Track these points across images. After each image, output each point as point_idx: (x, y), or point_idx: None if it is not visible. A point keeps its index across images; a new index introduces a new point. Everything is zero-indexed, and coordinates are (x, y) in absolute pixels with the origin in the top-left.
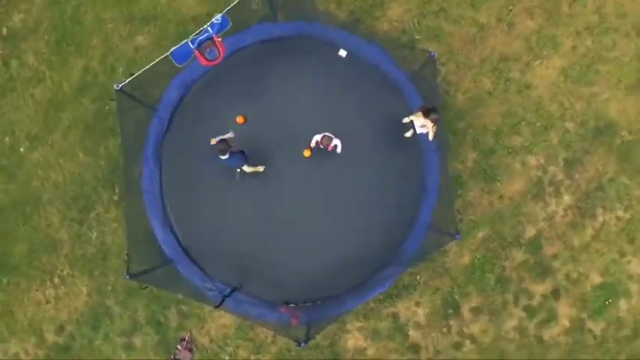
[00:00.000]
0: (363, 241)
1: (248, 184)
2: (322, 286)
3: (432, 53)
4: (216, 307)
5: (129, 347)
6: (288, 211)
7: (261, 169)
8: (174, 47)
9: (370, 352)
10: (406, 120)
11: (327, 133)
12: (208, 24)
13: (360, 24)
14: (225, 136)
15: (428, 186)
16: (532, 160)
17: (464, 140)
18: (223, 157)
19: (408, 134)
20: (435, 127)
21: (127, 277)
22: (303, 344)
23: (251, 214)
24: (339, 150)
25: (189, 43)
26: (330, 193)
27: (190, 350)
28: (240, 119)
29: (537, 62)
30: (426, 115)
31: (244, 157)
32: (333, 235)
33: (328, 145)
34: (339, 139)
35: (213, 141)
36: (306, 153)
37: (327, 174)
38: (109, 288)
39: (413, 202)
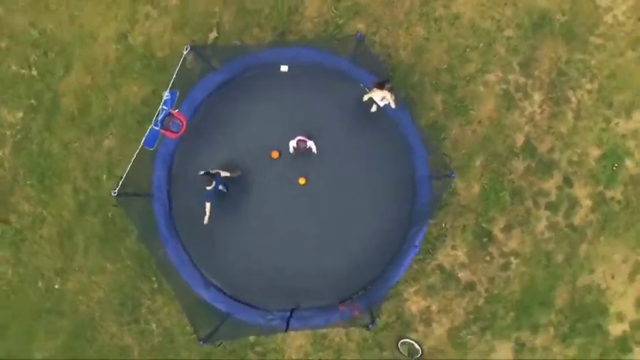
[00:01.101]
0: (380, 218)
1: (260, 218)
2: (364, 273)
3: (358, 35)
4: (285, 331)
5: None
6: (305, 225)
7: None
8: (143, 138)
9: (434, 307)
10: (366, 98)
11: (299, 137)
12: (162, 103)
13: (288, 34)
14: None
15: (412, 144)
16: (491, 78)
17: (424, 89)
18: (209, 188)
19: (374, 109)
20: (393, 95)
21: (202, 343)
22: (371, 325)
23: (274, 240)
24: (314, 150)
25: (154, 127)
26: (334, 193)
27: None
28: (275, 154)
29: None
30: (381, 87)
31: (218, 175)
32: (352, 228)
33: (304, 147)
34: (318, 141)
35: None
36: (302, 181)
37: (324, 178)
38: None
39: (407, 165)
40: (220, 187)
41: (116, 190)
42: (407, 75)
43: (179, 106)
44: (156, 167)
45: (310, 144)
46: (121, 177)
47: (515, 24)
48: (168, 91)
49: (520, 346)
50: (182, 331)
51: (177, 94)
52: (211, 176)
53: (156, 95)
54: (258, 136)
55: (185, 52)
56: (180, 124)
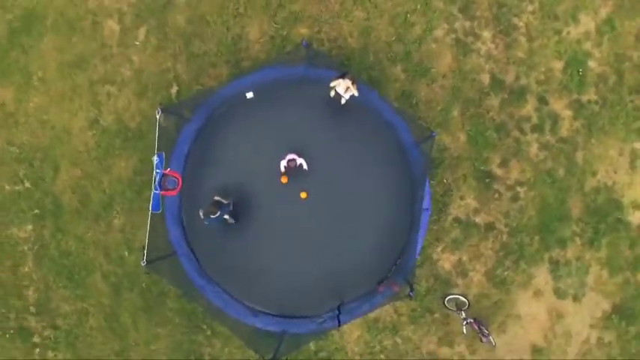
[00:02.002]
0: (385, 200)
1: (277, 237)
2: (389, 251)
3: (304, 43)
4: (338, 327)
5: None
6: (320, 230)
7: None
8: (149, 205)
9: (465, 258)
10: (333, 94)
11: (289, 157)
12: (154, 168)
13: (242, 63)
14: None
15: (390, 120)
16: (439, 33)
17: (383, 67)
18: (215, 217)
19: (343, 101)
20: (354, 84)
21: None
22: (412, 294)
23: (298, 252)
24: (305, 167)
25: (155, 192)
26: (336, 194)
27: None
28: (303, 194)
29: None
30: (342, 79)
31: (226, 205)
32: (364, 218)
33: (295, 166)
34: (305, 151)
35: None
36: (303, 195)
37: (322, 183)
38: None
39: (392, 141)
40: (227, 217)
41: (144, 260)
42: (362, 58)
43: (169, 165)
44: (169, 226)
45: (301, 161)
46: (143, 247)
47: None
48: (155, 155)
49: (555, 265)
50: None
51: (163, 155)
52: (218, 206)
53: (144, 162)
54: (249, 167)
55: (158, 116)
56: (176, 180)
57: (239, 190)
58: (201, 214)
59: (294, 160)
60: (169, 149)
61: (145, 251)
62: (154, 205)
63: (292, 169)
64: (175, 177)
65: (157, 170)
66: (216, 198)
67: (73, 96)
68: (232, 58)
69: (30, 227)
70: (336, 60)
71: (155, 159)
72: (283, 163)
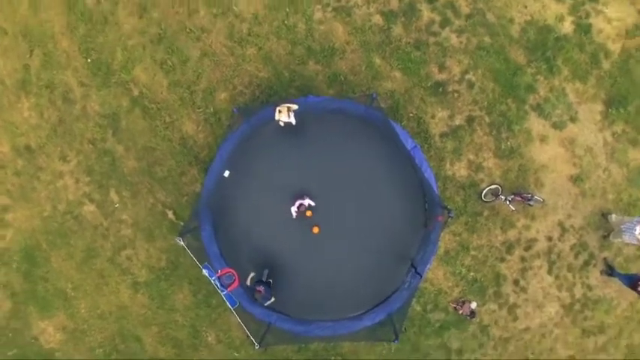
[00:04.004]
0: (384, 166)
1: (329, 258)
2: (417, 195)
3: (234, 110)
4: (422, 279)
5: None
6: (354, 227)
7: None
8: (228, 305)
9: (471, 156)
10: (282, 124)
11: (297, 204)
12: (209, 278)
13: (201, 156)
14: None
15: (337, 107)
16: (318, 14)
17: (300, 73)
18: (265, 295)
19: (293, 122)
20: (290, 104)
21: (396, 342)
22: (451, 214)
23: (356, 254)
24: (313, 204)
25: (223, 293)
26: (343, 194)
27: (462, 304)
28: (308, 213)
29: None
30: (278, 106)
31: (268, 285)
32: (381, 191)
33: (305, 208)
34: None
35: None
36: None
37: (326, 196)
38: None
39: (354, 120)
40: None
41: (257, 344)
42: (280, 80)
43: (215, 268)
44: (251, 310)
45: (307, 201)
46: (247, 336)
47: None
48: (202, 269)
49: (538, 109)
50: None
51: (208, 264)
52: (264, 286)
53: (194, 283)
54: (273, 230)
55: (181, 243)
56: (231, 274)
57: (276, 252)
58: (265, 301)
59: (301, 204)
60: (206, 258)
61: (252, 337)
62: (230, 303)
63: (304, 212)
64: (228, 272)
65: (212, 278)
66: (259, 287)
67: (106, 280)
68: (191, 157)
69: None
70: (263, 97)
71: (205, 272)
72: (294, 210)
